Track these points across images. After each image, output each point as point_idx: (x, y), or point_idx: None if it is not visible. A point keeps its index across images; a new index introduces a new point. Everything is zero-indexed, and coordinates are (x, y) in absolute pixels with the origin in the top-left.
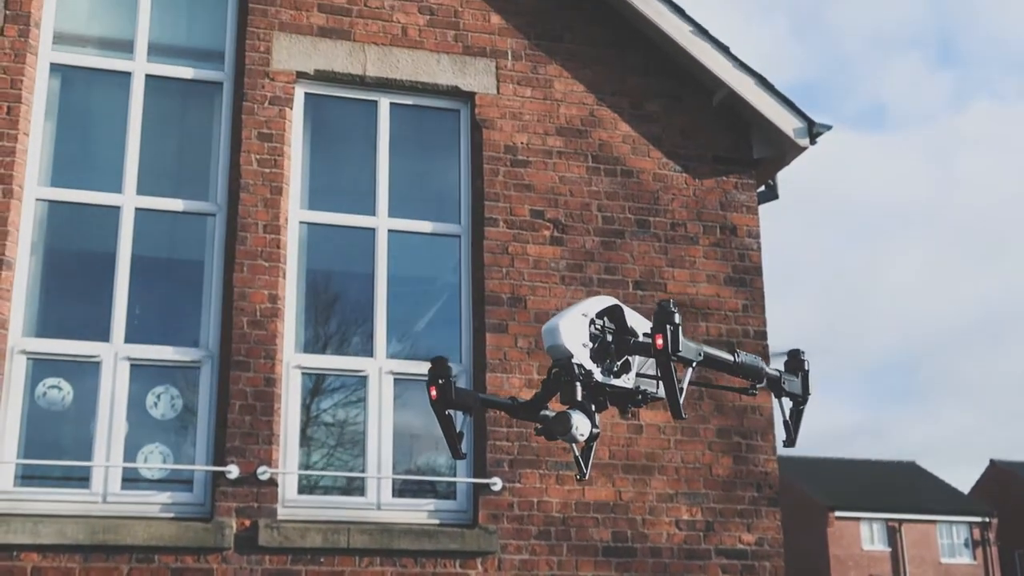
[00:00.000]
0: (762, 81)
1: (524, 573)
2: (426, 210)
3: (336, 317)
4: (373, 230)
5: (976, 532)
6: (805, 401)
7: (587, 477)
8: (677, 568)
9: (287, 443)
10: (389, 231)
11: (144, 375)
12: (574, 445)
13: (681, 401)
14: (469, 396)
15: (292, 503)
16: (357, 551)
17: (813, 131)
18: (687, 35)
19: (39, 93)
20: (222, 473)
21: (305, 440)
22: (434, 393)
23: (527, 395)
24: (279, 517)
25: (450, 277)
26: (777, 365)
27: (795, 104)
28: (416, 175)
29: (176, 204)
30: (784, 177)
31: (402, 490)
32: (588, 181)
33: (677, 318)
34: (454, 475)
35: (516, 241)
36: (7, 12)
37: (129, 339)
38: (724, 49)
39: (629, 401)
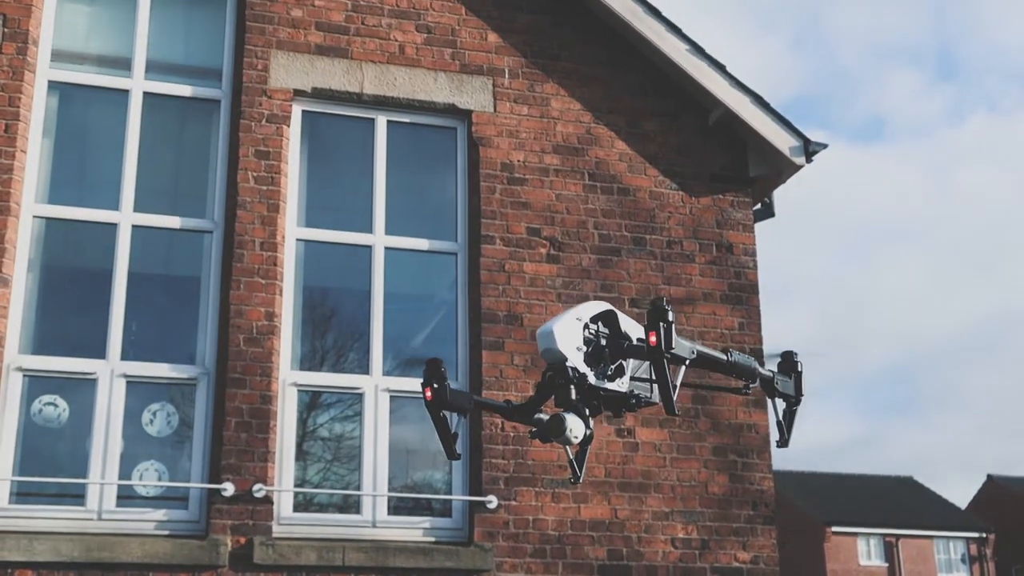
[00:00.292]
0: (758, 100)
1: None
2: (423, 227)
3: (332, 334)
4: (370, 247)
5: (973, 548)
6: (798, 402)
7: (581, 481)
8: None
9: (283, 460)
10: (386, 248)
11: (140, 392)
12: (568, 448)
13: (675, 398)
14: (464, 397)
15: (287, 520)
16: (352, 569)
17: (809, 149)
18: (684, 54)
19: (37, 110)
20: (217, 490)
21: (301, 456)
22: (429, 394)
23: None
24: (274, 534)
25: (446, 294)
26: (771, 366)
27: (791, 123)
28: (413, 193)
29: (173, 221)
30: (782, 189)
31: (398, 508)
32: (585, 199)
33: (671, 315)
34: (450, 493)
35: (512, 259)
36: (5, 30)
37: (125, 356)
38: (720, 68)
39: (623, 405)
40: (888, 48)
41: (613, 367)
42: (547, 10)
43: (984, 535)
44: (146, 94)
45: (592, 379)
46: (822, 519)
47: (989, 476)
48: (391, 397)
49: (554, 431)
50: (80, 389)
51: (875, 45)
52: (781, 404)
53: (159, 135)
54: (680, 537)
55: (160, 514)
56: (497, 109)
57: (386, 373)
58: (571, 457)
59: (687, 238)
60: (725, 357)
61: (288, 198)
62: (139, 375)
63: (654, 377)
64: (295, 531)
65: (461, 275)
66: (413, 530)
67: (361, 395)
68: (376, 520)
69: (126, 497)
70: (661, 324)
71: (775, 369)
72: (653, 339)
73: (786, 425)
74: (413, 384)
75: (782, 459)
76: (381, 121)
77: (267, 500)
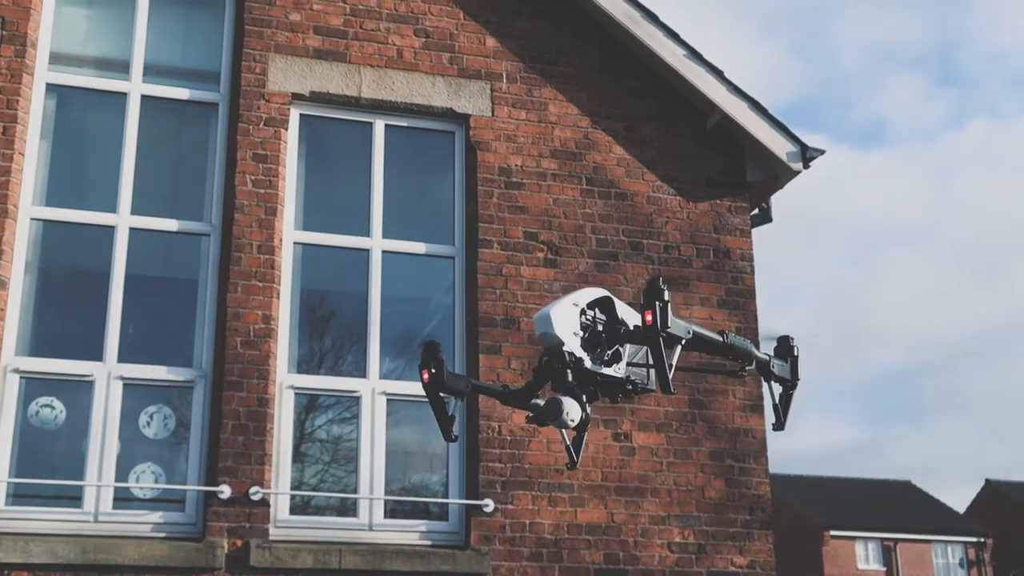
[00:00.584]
0: (756, 105)
1: None
2: (420, 231)
3: (330, 338)
4: (367, 251)
5: (971, 552)
6: (794, 386)
7: (578, 466)
8: None
9: (279, 463)
10: (383, 252)
11: (137, 394)
12: (565, 434)
13: (670, 377)
14: (461, 380)
15: (284, 523)
16: (348, 572)
17: (806, 155)
18: (681, 59)
19: (35, 113)
20: (214, 493)
21: (298, 459)
22: (426, 376)
23: (519, 416)
24: (271, 537)
25: (444, 298)
26: (767, 350)
27: (788, 128)
28: (411, 196)
29: (171, 224)
30: (782, 195)
31: (394, 511)
32: (582, 204)
33: (666, 295)
34: (446, 496)
35: (510, 263)
36: (4, 32)
37: (122, 358)
38: (718, 73)
39: (619, 391)
40: (889, 53)
41: (610, 352)
42: (545, 15)
43: (982, 540)
44: (144, 97)
45: (588, 364)
46: (820, 523)
47: (987, 481)
48: (388, 400)
49: (551, 415)
50: (77, 391)
51: (876, 49)
52: (777, 388)
53: (157, 138)
54: (677, 541)
55: (157, 516)
56: (495, 113)
57: (383, 376)
58: (568, 442)
59: (684, 243)
60: (721, 338)
61: (286, 201)
62: (136, 377)
63: (651, 361)
64: (292, 534)
65: (458, 279)
66: (410, 533)
67: (358, 398)
68: (373, 523)
69: (123, 499)
70: (657, 303)
71: (771, 353)
72: (649, 318)
73: (782, 408)
74: (410, 387)
75: (781, 463)
76: (379, 125)
77: (264, 503)
